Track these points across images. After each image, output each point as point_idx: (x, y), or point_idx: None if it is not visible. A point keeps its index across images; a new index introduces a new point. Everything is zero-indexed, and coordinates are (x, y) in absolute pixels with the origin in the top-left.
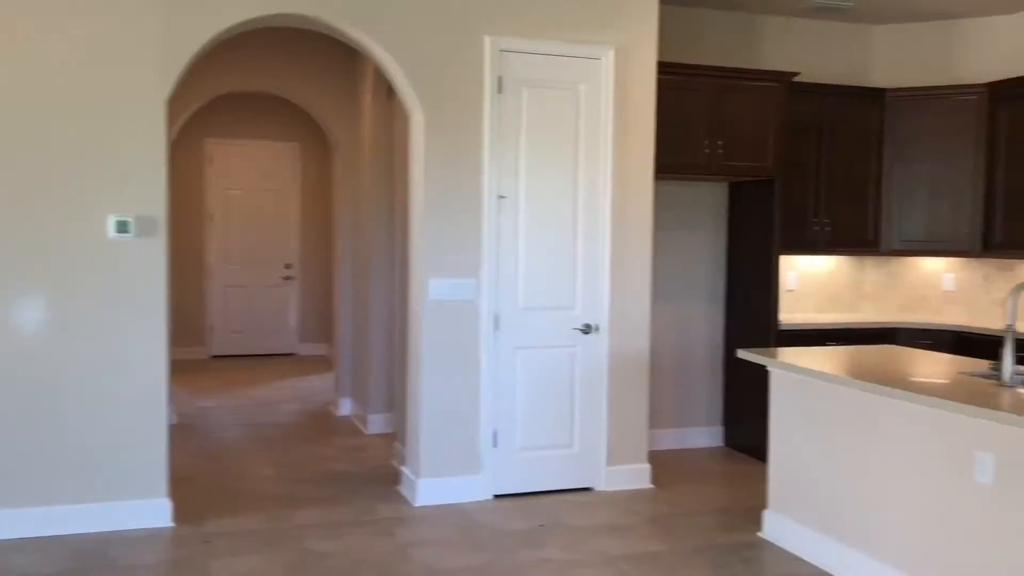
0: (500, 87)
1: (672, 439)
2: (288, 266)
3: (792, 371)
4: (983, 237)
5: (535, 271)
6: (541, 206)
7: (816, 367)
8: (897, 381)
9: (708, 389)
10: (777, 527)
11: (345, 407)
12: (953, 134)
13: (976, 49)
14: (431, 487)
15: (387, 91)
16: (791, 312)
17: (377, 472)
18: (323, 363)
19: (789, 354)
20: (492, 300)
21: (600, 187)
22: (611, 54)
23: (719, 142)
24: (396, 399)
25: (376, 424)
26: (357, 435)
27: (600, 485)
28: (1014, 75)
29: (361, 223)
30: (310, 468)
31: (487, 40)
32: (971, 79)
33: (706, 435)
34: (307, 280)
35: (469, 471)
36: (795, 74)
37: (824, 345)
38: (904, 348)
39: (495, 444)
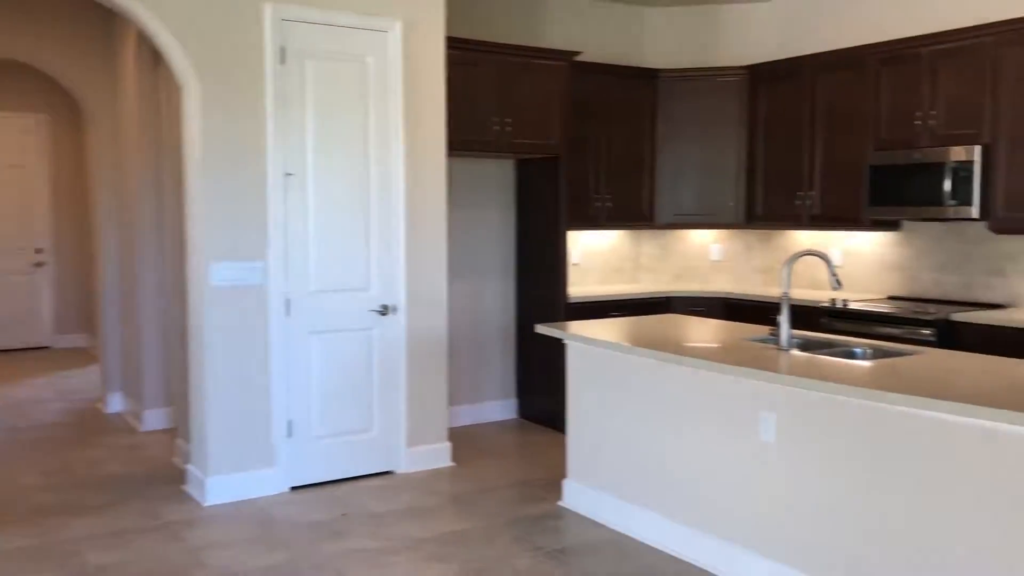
0: (283, 58)
1: (468, 415)
2: (39, 251)
3: (588, 343)
4: (746, 210)
5: (327, 252)
6: (332, 184)
7: (610, 338)
8: (688, 349)
9: (501, 363)
10: (577, 495)
11: (115, 403)
12: (718, 114)
13: (738, 34)
14: (222, 484)
15: (153, 57)
16: (577, 285)
17: (159, 472)
18: (84, 356)
19: (583, 326)
20: (281, 283)
21: (392, 164)
22: (398, 27)
23: (507, 120)
24: (176, 393)
25: (153, 420)
26: (132, 433)
27: (401, 468)
28: (771, 59)
29: (126, 202)
30: (82, 473)
31: (267, 8)
32: (734, 62)
33: (501, 408)
34: (62, 265)
35: (263, 464)
36: (578, 53)
37: (609, 315)
38: (687, 316)
39: (290, 434)
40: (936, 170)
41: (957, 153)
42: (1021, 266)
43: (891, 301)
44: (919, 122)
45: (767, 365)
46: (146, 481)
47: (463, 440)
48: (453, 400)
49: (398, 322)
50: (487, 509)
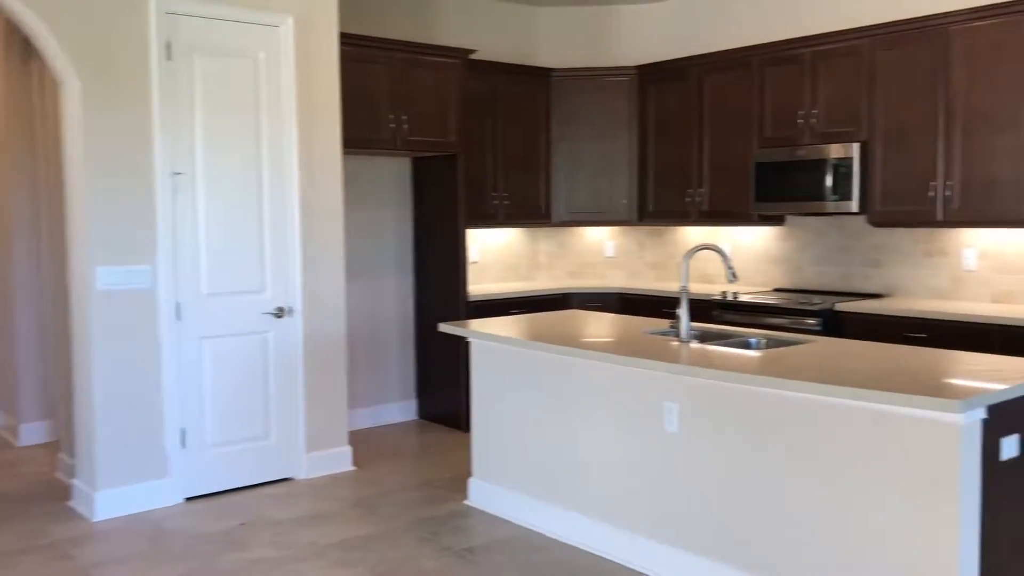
0: (169, 53)
1: (368, 417)
2: None
3: (492, 341)
4: (639, 207)
5: (220, 254)
6: (223, 183)
7: (514, 335)
8: (593, 343)
9: (401, 364)
10: (483, 493)
11: None
12: (610, 113)
13: (630, 34)
14: (111, 498)
15: (23, 49)
16: (476, 283)
17: (41, 489)
18: None
19: (486, 324)
20: (171, 287)
21: (286, 162)
22: (290, 22)
23: (403, 117)
24: (59, 404)
25: (31, 434)
26: (7, 448)
27: (301, 474)
28: (662, 59)
29: None
30: None
31: (151, 0)
32: (626, 62)
33: (401, 409)
34: None
35: (155, 475)
36: (472, 51)
37: (509, 313)
38: (587, 311)
39: (183, 443)
40: (818, 167)
41: (837, 150)
42: (896, 257)
43: (777, 293)
44: (801, 121)
45: (669, 357)
46: (28, 499)
47: (364, 443)
48: (352, 403)
49: (295, 325)
50: (391, 512)
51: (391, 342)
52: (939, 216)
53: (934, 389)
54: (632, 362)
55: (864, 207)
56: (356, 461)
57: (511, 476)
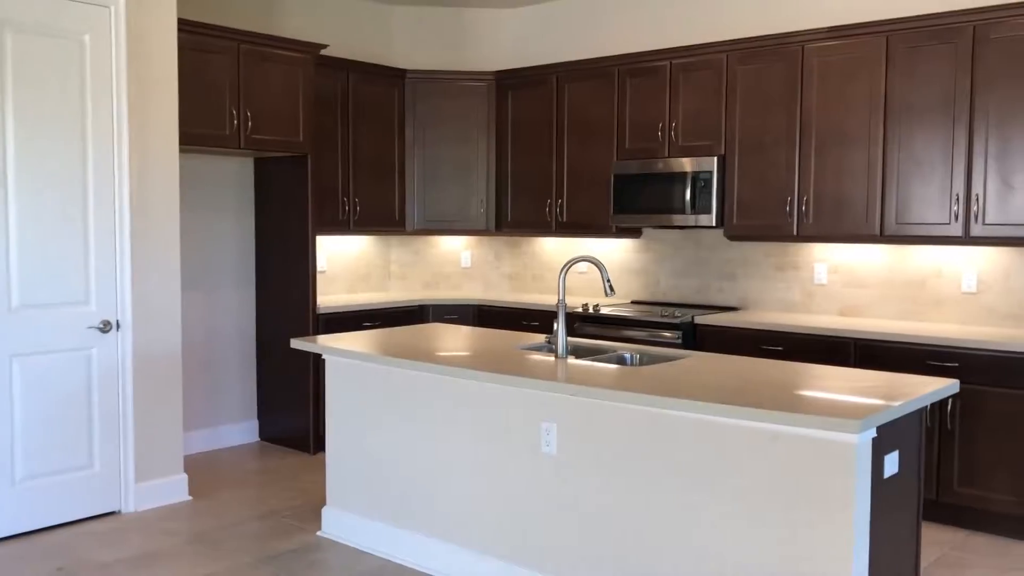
0: None
1: (203, 440)
2: None
3: (351, 358)
4: (496, 217)
5: (35, 260)
6: (41, 181)
7: (375, 352)
8: (464, 360)
9: (240, 382)
10: (339, 523)
11: None
12: (467, 118)
13: (486, 38)
14: None
15: None
16: (324, 294)
17: None
18: None
19: (343, 339)
20: None
21: (116, 160)
22: (122, 2)
23: (248, 113)
24: None
25: None
26: None
27: (130, 507)
28: (520, 65)
29: None
30: None
31: None
32: (483, 66)
33: (240, 431)
34: None
35: None
36: (323, 46)
37: (362, 326)
38: (451, 326)
39: None
40: (677, 180)
41: (696, 164)
42: (750, 270)
43: (635, 305)
44: (661, 133)
45: (547, 374)
46: None
47: (200, 469)
48: (187, 425)
49: (124, 339)
50: (235, 547)
51: (230, 358)
52: (794, 231)
53: (828, 408)
54: (509, 380)
55: (721, 221)
56: (193, 490)
57: (372, 504)
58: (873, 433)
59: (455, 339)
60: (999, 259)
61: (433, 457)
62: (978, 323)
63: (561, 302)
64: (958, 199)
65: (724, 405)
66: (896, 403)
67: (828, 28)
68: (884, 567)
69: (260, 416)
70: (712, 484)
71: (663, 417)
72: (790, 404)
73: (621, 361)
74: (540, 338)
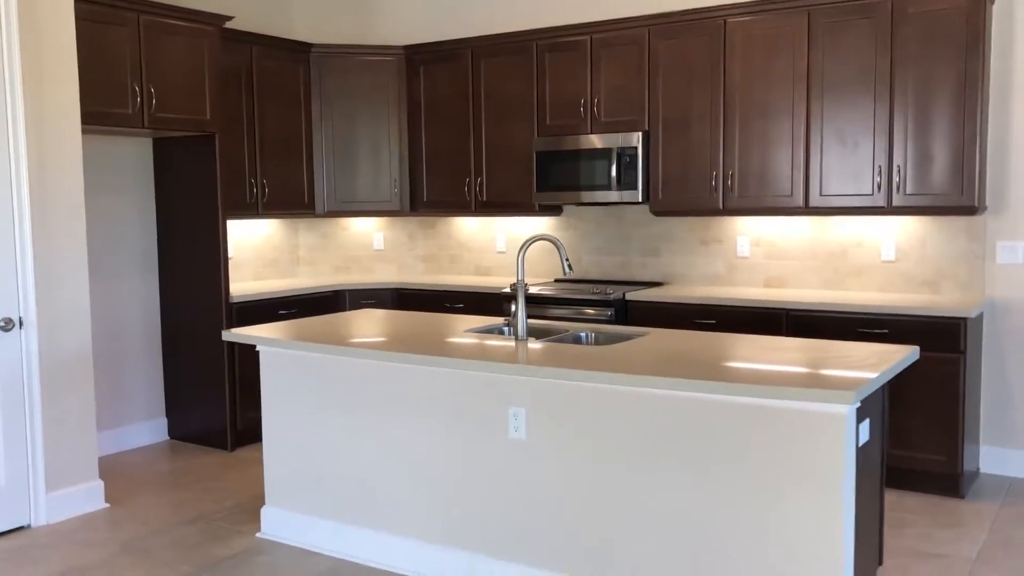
0: None
1: (109, 442)
2: None
3: (290, 348)
4: (411, 197)
5: None
6: None
7: (317, 340)
8: (419, 346)
9: (146, 378)
10: (280, 523)
11: None
12: (377, 94)
13: (393, 10)
14: None
15: None
16: (231, 282)
17: None
18: None
19: (279, 329)
20: None
21: (11, 142)
22: None
23: (151, 90)
24: None
25: None
26: None
27: (41, 520)
28: (430, 40)
29: None
30: None
31: None
32: (391, 40)
33: (148, 430)
34: None
35: None
36: (229, 18)
37: (278, 314)
38: (391, 311)
39: None
40: (602, 156)
41: (620, 140)
42: (674, 246)
43: (558, 284)
44: (583, 109)
45: (511, 357)
46: None
47: (112, 473)
48: None
49: (28, 338)
50: (170, 556)
51: (133, 352)
52: (720, 205)
53: (815, 380)
54: (473, 365)
55: (647, 196)
56: (109, 496)
57: (317, 501)
58: (858, 404)
59: (396, 325)
60: (916, 228)
61: (388, 448)
62: (898, 290)
63: (520, 282)
64: (880, 170)
65: (714, 382)
66: (877, 374)
67: (750, 2)
68: (860, 532)
69: (169, 413)
70: (695, 462)
71: (643, 397)
72: (778, 378)
73: (577, 341)
74: (480, 320)
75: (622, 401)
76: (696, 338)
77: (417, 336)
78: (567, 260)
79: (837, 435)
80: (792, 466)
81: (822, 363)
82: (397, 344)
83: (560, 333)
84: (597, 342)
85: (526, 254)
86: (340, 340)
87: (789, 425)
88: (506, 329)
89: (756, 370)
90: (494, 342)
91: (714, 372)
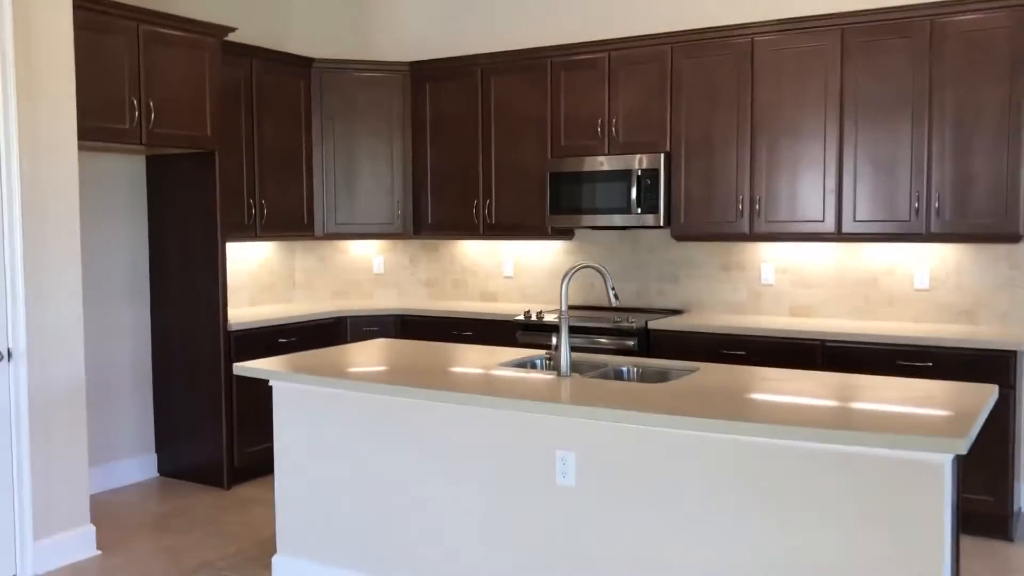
0: None
1: (98, 479)
2: None
3: (311, 384)
4: (414, 219)
5: None
6: None
7: (340, 376)
8: (459, 383)
9: (136, 411)
10: (294, 574)
11: None
12: (381, 111)
13: (398, 25)
14: None
15: None
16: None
17: None
18: None
19: (296, 362)
20: None
21: (3, 160)
22: None
23: (150, 104)
24: None
25: None
26: None
27: (27, 571)
28: (437, 56)
29: None
30: None
31: None
32: (395, 55)
33: (138, 467)
34: None
35: None
36: (232, 29)
37: (278, 343)
38: (405, 341)
39: None
40: (622, 177)
41: (640, 161)
42: (693, 272)
43: (574, 311)
44: (600, 129)
45: (559, 396)
46: None
47: (102, 515)
48: None
49: (17, 371)
50: None
51: (122, 384)
52: (746, 230)
53: (914, 426)
54: (517, 405)
55: (668, 220)
56: (101, 542)
57: (338, 549)
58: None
59: (418, 357)
60: (951, 255)
61: (419, 493)
62: (932, 320)
63: (563, 313)
64: (918, 196)
65: (804, 428)
66: (979, 418)
67: (777, 20)
68: None
69: (159, 449)
70: (774, 512)
71: (711, 441)
72: (871, 423)
73: (619, 375)
74: (509, 352)
75: (688, 445)
76: (752, 375)
77: (446, 371)
78: (614, 290)
79: (938, 483)
80: (885, 519)
81: (902, 402)
82: (429, 380)
83: (600, 367)
84: (642, 378)
85: (567, 282)
86: (364, 376)
87: (881, 474)
88: (539, 362)
89: (840, 414)
90: (534, 377)
91: (801, 416)
